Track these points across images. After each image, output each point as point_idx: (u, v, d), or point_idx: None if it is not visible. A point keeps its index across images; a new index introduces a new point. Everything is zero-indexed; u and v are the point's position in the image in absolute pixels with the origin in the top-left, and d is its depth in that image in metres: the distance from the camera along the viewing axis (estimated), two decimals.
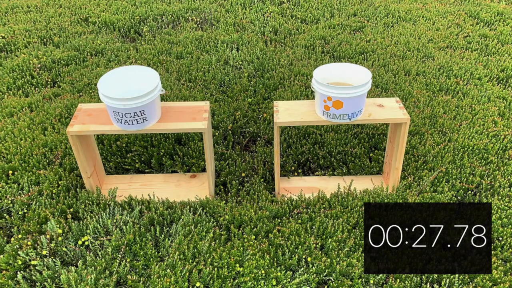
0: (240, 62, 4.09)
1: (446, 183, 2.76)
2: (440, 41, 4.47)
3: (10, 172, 2.75)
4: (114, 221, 2.43)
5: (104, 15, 5.02)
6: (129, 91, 2.42)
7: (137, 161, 2.94)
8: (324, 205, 2.58)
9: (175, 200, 2.66)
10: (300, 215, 2.52)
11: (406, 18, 4.97)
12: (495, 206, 2.59)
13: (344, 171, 2.96)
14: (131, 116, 2.32)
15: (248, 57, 4.14)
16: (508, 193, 2.69)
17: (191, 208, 2.56)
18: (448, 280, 2.19)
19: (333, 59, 4.20)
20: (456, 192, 2.74)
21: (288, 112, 2.57)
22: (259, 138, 3.23)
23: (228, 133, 3.22)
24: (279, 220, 2.50)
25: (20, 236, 2.33)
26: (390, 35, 4.59)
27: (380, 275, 2.18)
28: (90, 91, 3.62)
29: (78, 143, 2.47)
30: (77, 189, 2.66)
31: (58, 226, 2.38)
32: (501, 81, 3.84)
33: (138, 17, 4.96)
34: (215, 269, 2.17)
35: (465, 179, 2.80)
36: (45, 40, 4.54)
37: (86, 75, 3.87)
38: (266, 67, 4.01)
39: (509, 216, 2.53)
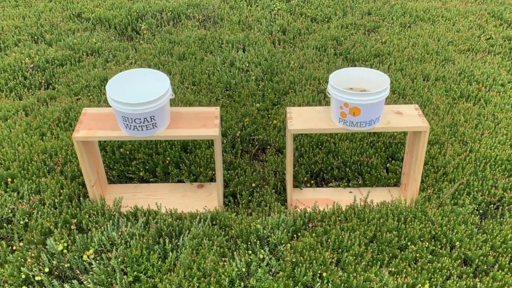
0: (247, 64, 4.28)
1: (467, 196, 2.94)
2: (461, 43, 4.68)
3: (9, 179, 2.92)
4: (119, 233, 2.60)
5: (98, 10, 5.22)
6: (138, 95, 2.60)
7: (141, 169, 3.12)
8: (339, 218, 2.77)
9: (183, 211, 2.83)
10: (315, 229, 2.70)
11: (424, 17, 5.18)
12: None
13: (359, 182, 3.15)
14: (140, 122, 2.50)
15: (256, 59, 4.33)
16: None
17: (201, 220, 2.73)
18: None
19: (347, 61, 4.40)
20: (477, 206, 2.92)
21: (302, 119, 2.76)
22: (269, 147, 3.42)
23: (236, 140, 3.40)
24: (293, 234, 2.68)
25: (22, 244, 2.51)
26: (407, 36, 4.80)
27: None
28: (89, 94, 3.80)
29: (83, 149, 2.65)
30: (80, 198, 2.84)
31: (61, 238, 2.55)
32: None
33: (135, 14, 5.16)
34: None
35: (487, 191, 2.98)
36: (36, 37, 4.73)
37: (83, 76, 4.06)
38: (275, 70, 4.21)
39: None
